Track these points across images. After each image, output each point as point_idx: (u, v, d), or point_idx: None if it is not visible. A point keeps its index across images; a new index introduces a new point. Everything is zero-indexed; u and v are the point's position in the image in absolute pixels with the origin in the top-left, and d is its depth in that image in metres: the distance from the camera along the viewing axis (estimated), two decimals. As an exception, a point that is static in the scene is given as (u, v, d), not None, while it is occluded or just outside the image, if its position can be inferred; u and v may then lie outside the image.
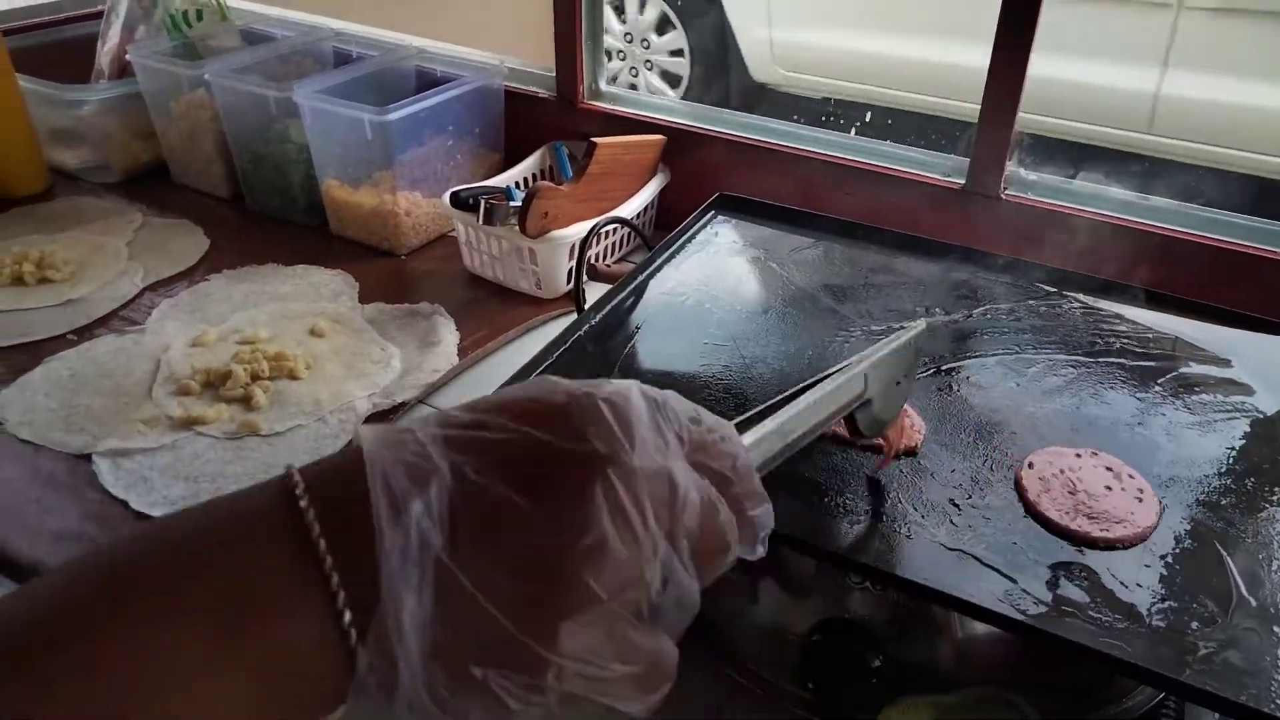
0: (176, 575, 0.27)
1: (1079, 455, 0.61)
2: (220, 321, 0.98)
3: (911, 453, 0.61)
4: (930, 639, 0.58)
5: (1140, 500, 0.57)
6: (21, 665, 0.25)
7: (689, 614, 0.30)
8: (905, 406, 0.57)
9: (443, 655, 0.26)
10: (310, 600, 0.27)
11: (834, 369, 0.48)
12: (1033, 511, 0.57)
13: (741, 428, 0.39)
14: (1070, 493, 0.57)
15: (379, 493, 0.27)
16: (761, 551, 0.34)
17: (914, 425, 0.62)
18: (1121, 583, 0.52)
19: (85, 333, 0.97)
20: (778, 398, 0.44)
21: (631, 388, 0.31)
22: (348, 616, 0.27)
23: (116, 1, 1.31)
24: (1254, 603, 0.51)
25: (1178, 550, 0.54)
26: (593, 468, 0.28)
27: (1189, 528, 0.56)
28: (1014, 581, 0.52)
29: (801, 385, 0.46)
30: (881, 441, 0.58)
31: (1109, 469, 0.60)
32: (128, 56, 1.22)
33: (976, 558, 0.53)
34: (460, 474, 0.28)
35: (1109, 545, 0.54)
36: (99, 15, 1.34)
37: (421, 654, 0.26)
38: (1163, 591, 0.51)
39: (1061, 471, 0.59)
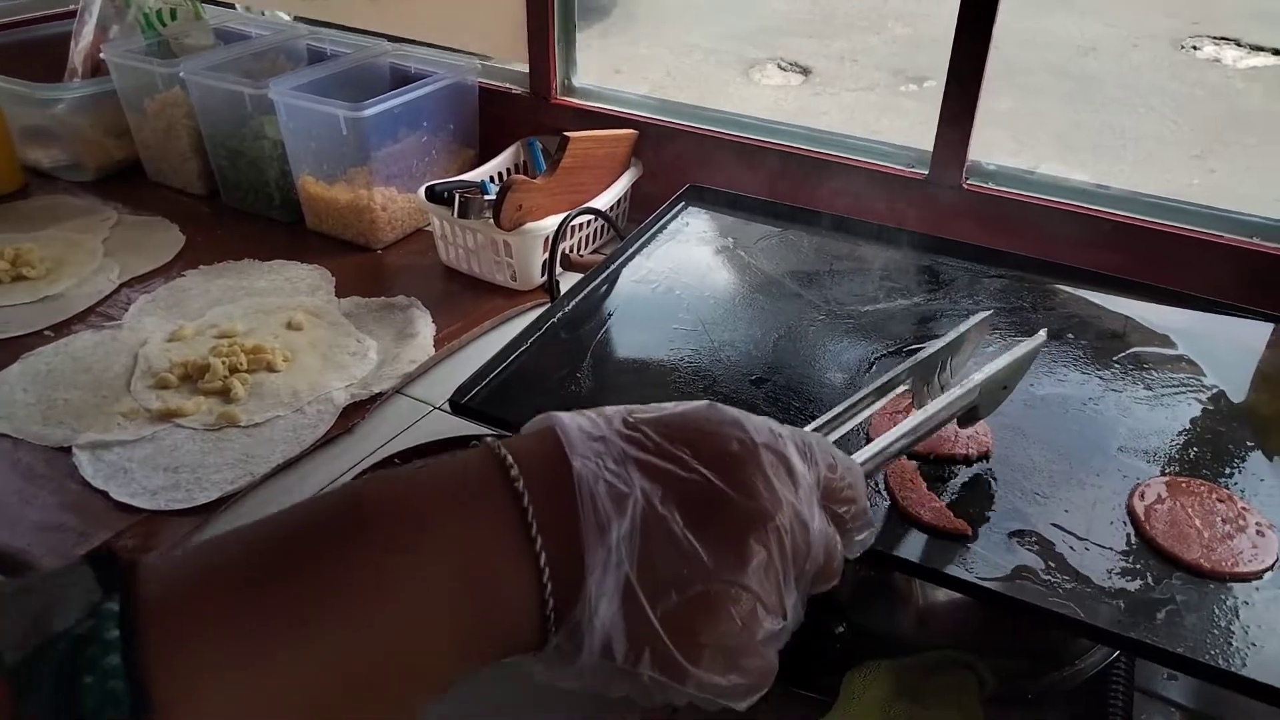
0: (418, 516, 0.31)
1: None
2: (197, 316, 0.99)
3: (985, 456, 0.62)
4: (893, 606, 0.61)
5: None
6: (277, 581, 0.28)
7: (790, 633, 0.35)
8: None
9: (616, 652, 0.31)
10: (524, 570, 0.31)
11: (955, 388, 0.53)
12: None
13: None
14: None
15: (589, 510, 0.31)
16: (855, 553, 0.39)
17: (983, 431, 0.63)
18: (1070, 547, 0.55)
19: (62, 329, 0.98)
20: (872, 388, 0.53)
21: (786, 439, 0.35)
22: (551, 603, 0.31)
23: (90, 1, 1.32)
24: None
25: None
26: (754, 522, 0.33)
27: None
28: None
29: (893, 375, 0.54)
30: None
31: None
32: (102, 55, 1.23)
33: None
34: (650, 500, 0.32)
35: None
36: (72, 15, 1.35)
37: (601, 646, 0.31)
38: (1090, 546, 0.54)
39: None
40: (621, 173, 1.12)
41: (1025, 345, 0.57)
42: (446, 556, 0.30)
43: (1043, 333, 0.58)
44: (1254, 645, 0.49)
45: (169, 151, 1.25)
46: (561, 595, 0.31)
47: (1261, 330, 0.76)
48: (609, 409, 0.35)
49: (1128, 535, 0.56)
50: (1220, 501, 0.58)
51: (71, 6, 1.37)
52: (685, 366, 0.70)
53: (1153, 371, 0.71)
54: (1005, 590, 0.52)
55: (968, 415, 0.55)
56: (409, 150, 1.15)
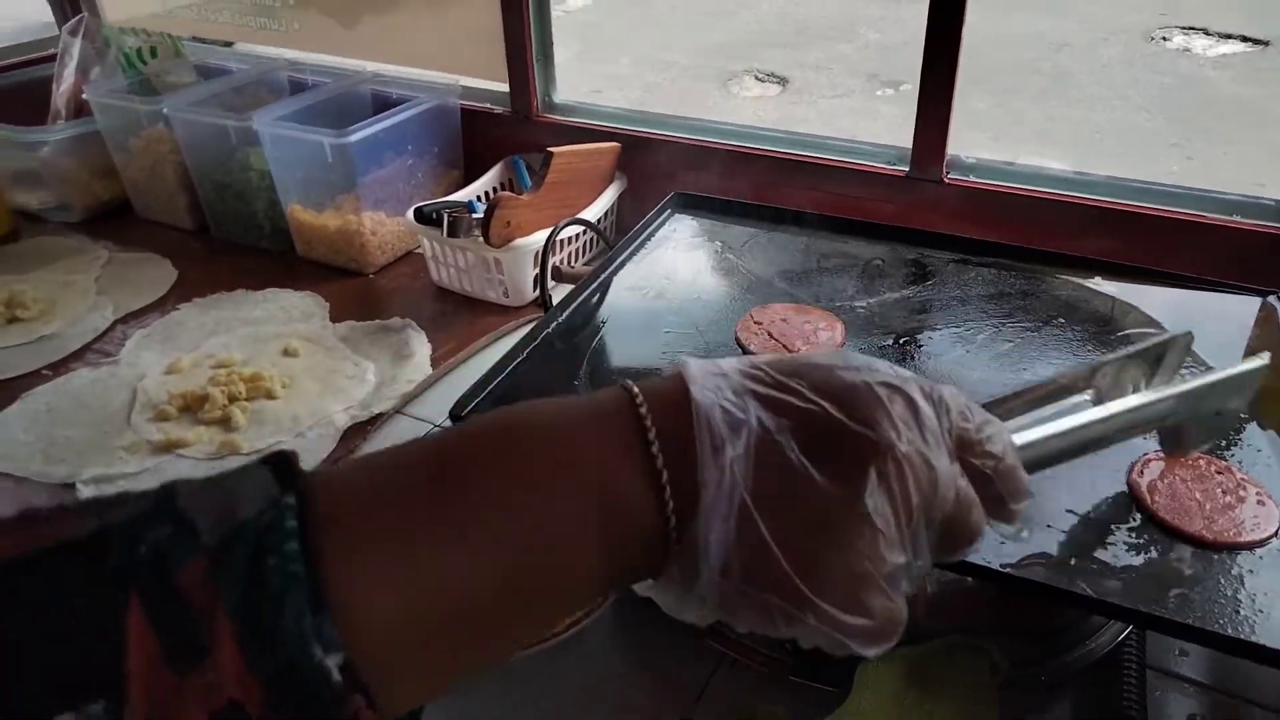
0: (566, 439, 0.33)
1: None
2: (193, 348, 0.99)
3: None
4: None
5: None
6: (437, 493, 0.30)
7: (917, 582, 0.35)
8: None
9: (733, 572, 0.32)
10: (650, 488, 0.32)
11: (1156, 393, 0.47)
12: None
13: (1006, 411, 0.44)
14: None
15: (704, 431, 0.32)
16: (1025, 536, 0.40)
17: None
18: (1075, 526, 0.55)
19: (60, 367, 0.98)
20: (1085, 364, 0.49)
21: (910, 380, 0.35)
22: (672, 520, 0.32)
23: (70, 43, 1.33)
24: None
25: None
26: (875, 452, 0.33)
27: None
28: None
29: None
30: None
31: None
32: (84, 96, 1.24)
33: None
34: (765, 428, 0.33)
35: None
36: (52, 58, 1.35)
37: (719, 567, 0.32)
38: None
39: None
40: (607, 185, 1.13)
41: (1243, 366, 0.50)
42: (589, 474, 0.32)
43: (1267, 354, 0.51)
44: (1261, 612, 0.49)
45: (156, 188, 1.25)
46: (682, 514, 0.32)
47: (1249, 305, 0.77)
48: (734, 358, 0.36)
49: (1130, 511, 0.56)
50: (1219, 473, 0.59)
51: (51, 50, 1.38)
52: (682, 370, 0.71)
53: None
54: (1015, 572, 0.52)
55: (1174, 438, 0.51)
56: (395, 174, 1.16)
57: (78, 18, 1.36)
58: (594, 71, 3.93)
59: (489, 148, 1.22)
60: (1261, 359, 0.52)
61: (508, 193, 1.07)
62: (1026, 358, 0.71)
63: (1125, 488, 0.58)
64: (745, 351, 0.71)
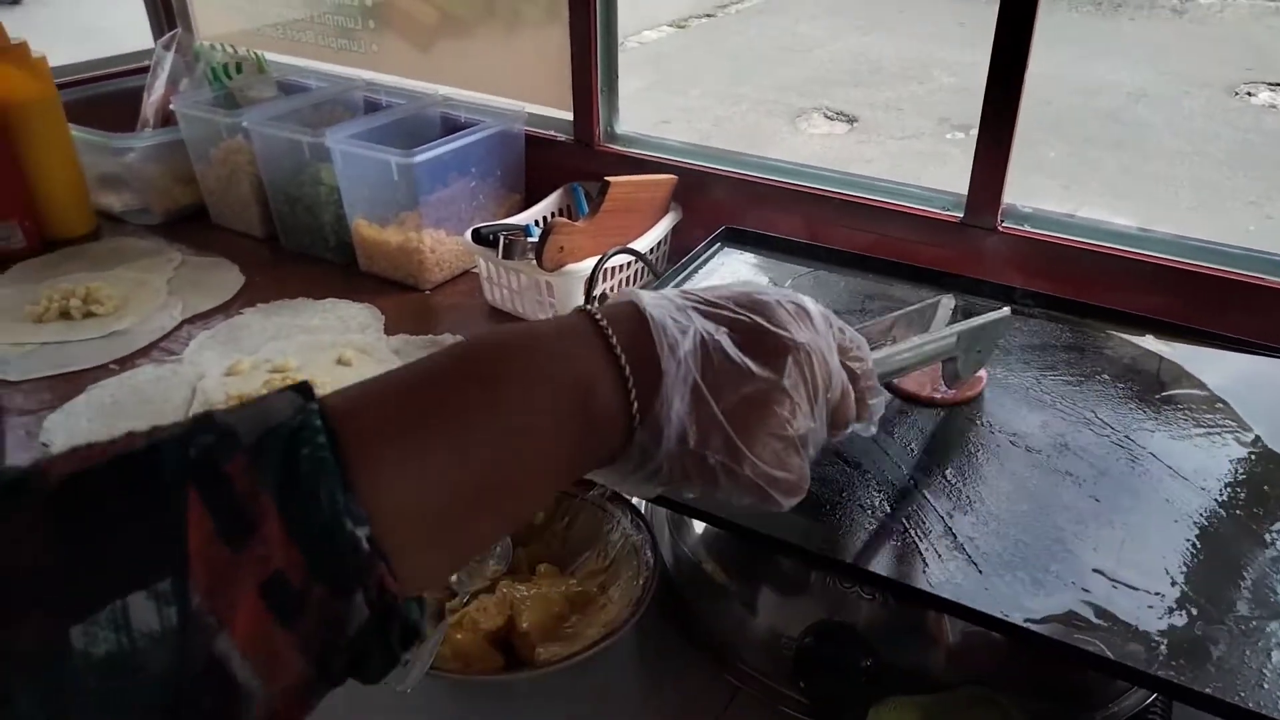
0: (546, 349, 0.40)
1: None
2: (253, 351, 1.03)
3: (967, 401, 0.72)
4: (921, 642, 0.61)
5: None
6: (436, 400, 0.36)
7: (818, 452, 0.47)
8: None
9: (689, 439, 0.42)
10: (616, 386, 0.41)
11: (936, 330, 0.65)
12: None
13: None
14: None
15: (660, 334, 0.42)
16: (873, 430, 0.51)
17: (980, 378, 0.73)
18: (1104, 586, 0.54)
19: (126, 362, 1.03)
20: (887, 317, 0.69)
21: (808, 300, 0.46)
22: (635, 405, 0.41)
23: (162, 56, 1.40)
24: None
25: (1155, 555, 0.57)
26: (791, 346, 0.44)
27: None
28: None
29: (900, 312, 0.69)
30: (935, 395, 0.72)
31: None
32: (172, 106, 1.30)
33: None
34: (708, 332, 0.43)
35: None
36: (145, 70, 1.43)
37: (678, 436, 0.41)
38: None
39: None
40: (661, 216, 1.15)
41: (989, 317, 0.67)
42: (563, 375, 0.39)
43: (1007, 309, 0.68)
44: (1286, 685, 0.48)
45: (231, 197, 1.31)
46: (643, 400, 0.41)
47: (1303, 372, 0.75)
48: (672, 289, 0.47)
49: (1166, 574, 0.55)
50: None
51: (145, 63, 1.46)
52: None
53: (1188, 413, 0.70)
54: (1034, 628, 0.52)
55: (952, 371, 0.67)
56: (458, 195, 1.19)
57: (171, 33, 1.44)
58: (664, 103, 3.98)
59: (550, 174, 1.25)
60: (1004, 310, 0.67)
61: (563, 219, 1.09)
62: (1060, 409, 0.70)
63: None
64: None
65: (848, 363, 0.47)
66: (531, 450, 0.38)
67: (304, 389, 0.34)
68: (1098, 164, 3.21)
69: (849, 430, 0.49)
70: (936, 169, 3.29)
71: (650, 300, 0.43)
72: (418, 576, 0.35)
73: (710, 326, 0.43)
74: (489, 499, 0.37)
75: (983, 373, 0.73)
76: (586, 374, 0.40)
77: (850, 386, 0.47)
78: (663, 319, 0.42)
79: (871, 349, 0.51)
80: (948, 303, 0.70)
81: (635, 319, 0.42)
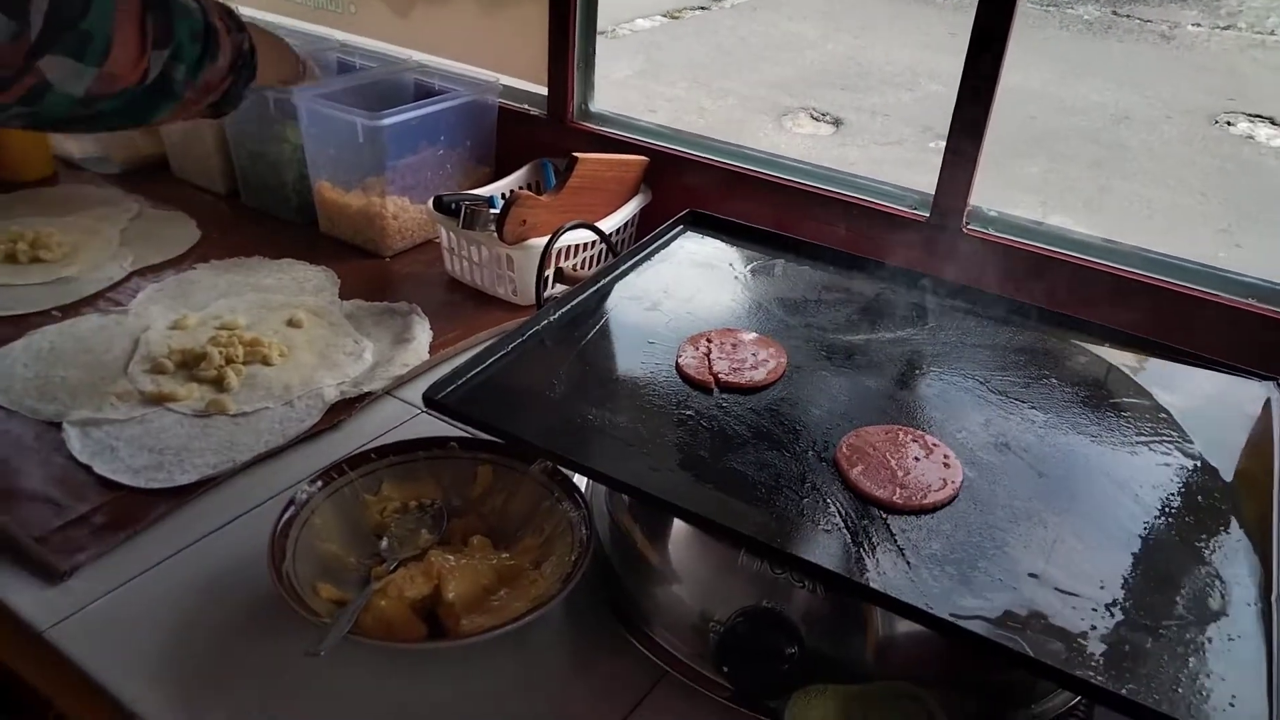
0: None
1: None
2: (202, 308, 1.01)
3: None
4: (850, 632, 0.60)
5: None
6: None
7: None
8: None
9: None
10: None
11: None
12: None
13: None
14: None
15: None
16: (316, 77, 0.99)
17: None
18: (1029, 582, 0.54)
19: (70, 310, 1.00)
20: None
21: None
22: None
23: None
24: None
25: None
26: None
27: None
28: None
29: None
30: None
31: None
32: (138, 53, 1.27)
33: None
34: None
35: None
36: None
37: None
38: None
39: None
40: (630, 198, 1.14)
41: None
42: None
43: None
44: (1199, 694, 0.48)
45: (194, 149, 1.28)
46: None
47: (1252, 390, 0.75)
48: None
49: (1095, 577, 0.55)
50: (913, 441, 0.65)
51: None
52: (660, 381, 0.71)
53: (1131, 421, 0.70)
54: (958, 623, 0.51)
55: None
56: (425, 163, 1.17)
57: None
58: (651, 91, 3.96)
59: (521, 148, 1.23)
60: None
61: (527, 192, 1.07)
62: (1004, 409, 0.70)
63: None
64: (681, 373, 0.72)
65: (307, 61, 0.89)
66: None
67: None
68: (1076, 182, 3.23)
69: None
70: (916, 176, 3.28)
71: None
72: None
73: None
74: None
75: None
76: None
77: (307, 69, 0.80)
78: None
79: None
80: None
81: None
